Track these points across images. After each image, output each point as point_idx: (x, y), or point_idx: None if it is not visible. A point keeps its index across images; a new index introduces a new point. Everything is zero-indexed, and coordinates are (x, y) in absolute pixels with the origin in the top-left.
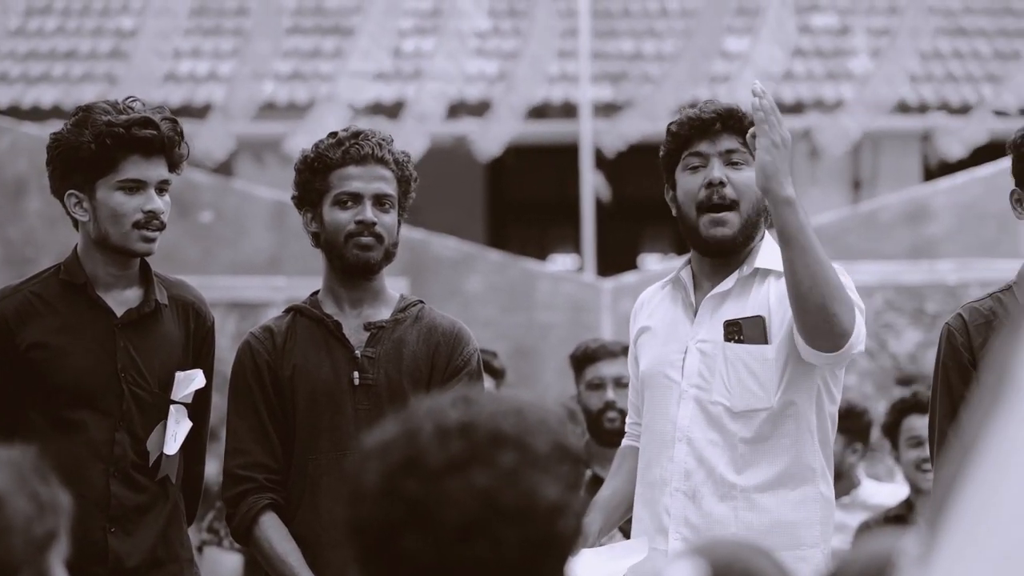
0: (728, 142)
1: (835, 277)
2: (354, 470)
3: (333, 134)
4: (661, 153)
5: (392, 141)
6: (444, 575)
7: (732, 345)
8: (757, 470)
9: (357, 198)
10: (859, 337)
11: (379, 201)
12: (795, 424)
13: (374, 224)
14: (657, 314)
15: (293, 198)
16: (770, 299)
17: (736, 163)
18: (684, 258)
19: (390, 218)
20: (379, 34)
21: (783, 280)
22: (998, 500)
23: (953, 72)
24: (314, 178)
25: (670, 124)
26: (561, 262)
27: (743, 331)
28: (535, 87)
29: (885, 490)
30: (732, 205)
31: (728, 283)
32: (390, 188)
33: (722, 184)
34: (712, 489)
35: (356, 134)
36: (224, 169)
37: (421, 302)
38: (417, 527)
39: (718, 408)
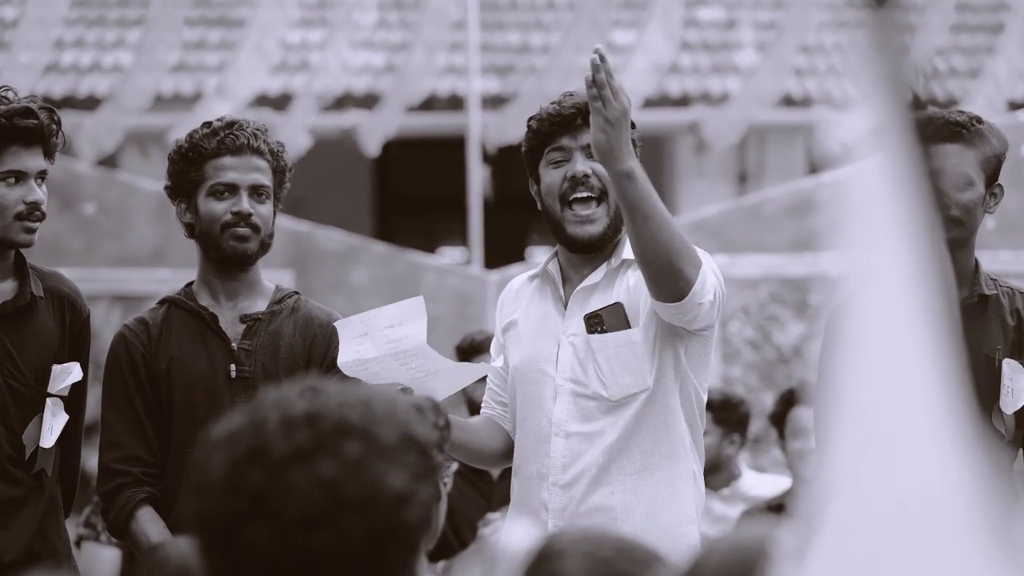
0: (575, 140)
1: (679, 235)
2: (200, 461)
3: (207, 124)
4: (523, 149)
5: (267, 131)
6: (289, 566)
7: (596, 336)
8: (633, 455)
9: (233, 189)
10: (703, 287)
11: (255, 191)
12: (665, 405)
13: (250, 215)
14: (526, 308)
15: (166, 188)
16: (628, 284)
17: None
18: (552, 251)
19: (266, 208)
20: (269, 26)
21: None
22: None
23: (836, 66)
24: (189, 168)
25: (530, 120)
26: (449, 255)
27: (604, 321)
28: (422, 80)
29: (766, 481)
30: (600, 196)
31: (596, 276)
32: (266, 178)
33: (586, 176)
34: (590, 478)
35: (231, 124)
36: (110, 161)
37: (297, 293)
38: (261, 518)
39: (595, 401)
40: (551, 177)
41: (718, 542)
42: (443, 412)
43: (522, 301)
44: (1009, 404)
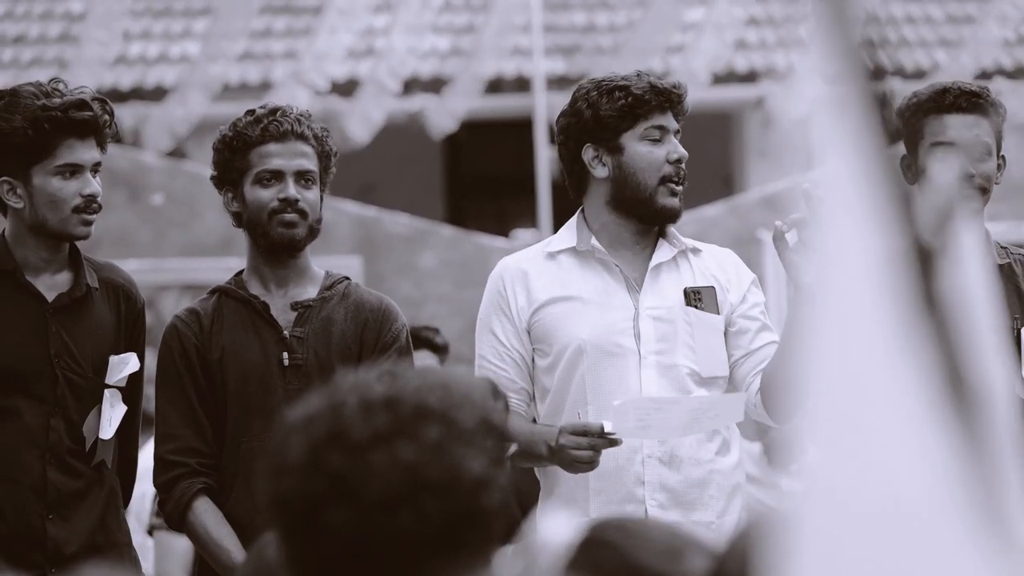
0: (677, 122)
1: None
2: (277, 444)
3: (251, 111)
4: (604, 112)
5: (311, 116)
6: (368, 549)
7: (694, 311)
8: (717, 434)
9: (279, 175)
10: None
11: (301, 177)
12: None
13: (297, 201)
14: (579, 283)
15: (212, 178)
16: (700, 269)
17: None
18: (566, 229)
19: (312, 194)
20: (337, 13)
21: (710, 258)
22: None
23: (907, 38)
24: (233, 157)
25: (620, 87)
26: (522, 236)
27: (702, 298)
28: (488, 62)
29: None
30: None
31: (666, 254)
32: (311, 164)
33: (680, 162)
34: (689, 453)
35: (274, 111)
36: (178, 152)
37: (347, 279)
38: (341, 501)
39: (683, 372)
40: (651, 154)
41: (750, 525)
42: (503, 396)
43: (562, 277)
44: None
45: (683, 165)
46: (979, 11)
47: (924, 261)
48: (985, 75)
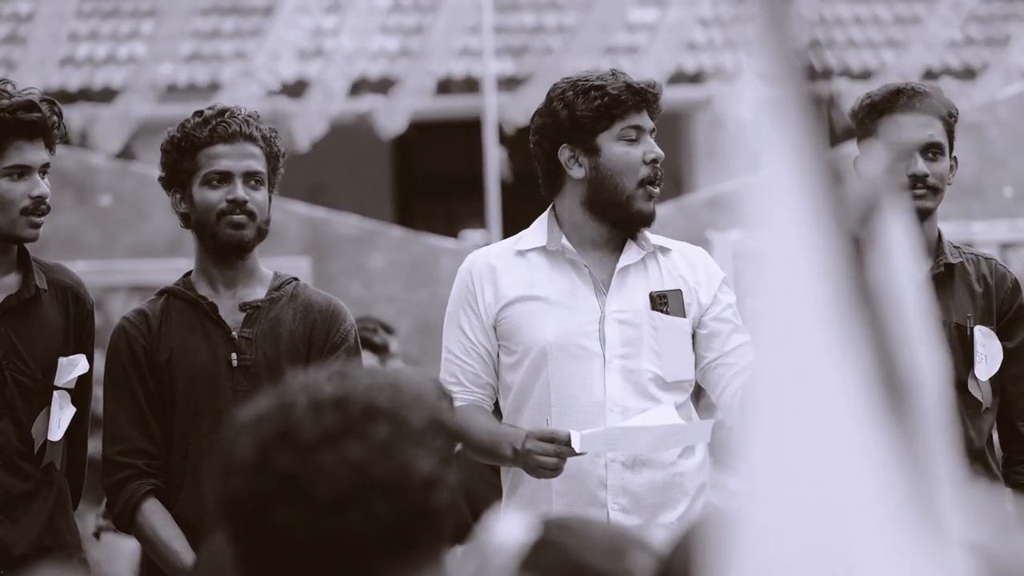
0: (652, 120)
1: None
2: (226, 443)
3: (199, 113)
4: (580, 113)
5: (259, 117)
6: (317, 548)
7: (660, 315)
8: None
9: (227, 177)
10: None
11: (249, 178)
12: (689, 401)
13: (245, 202)
14: (546, 284)
15: (160, 179)
16: (677, 275)
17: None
18: (537, 226)
19: (261, 195)
20: (284, 13)
21: (679, 257)
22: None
23: (855, 39)
24: (182, 158)
25: (596, 87)
26: (470, 237)
27: (668, 302)
28: (438, 63)
29: None
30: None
31: (633, 256)
32: (259, 165)
33: (656, 162)
34: (652, 456)
35: (222, 112)
36: (126, 153)
37: (295, 279)
38: (289, 500)
39: (646, 376)
40: (628, 155)
41: (695, 524)
42: (448, 395)
43: (530, 276)
44: (984, 371)
45: (659, 165)
46: (925, 11)
47: (858, 255)
48: (932, 75)
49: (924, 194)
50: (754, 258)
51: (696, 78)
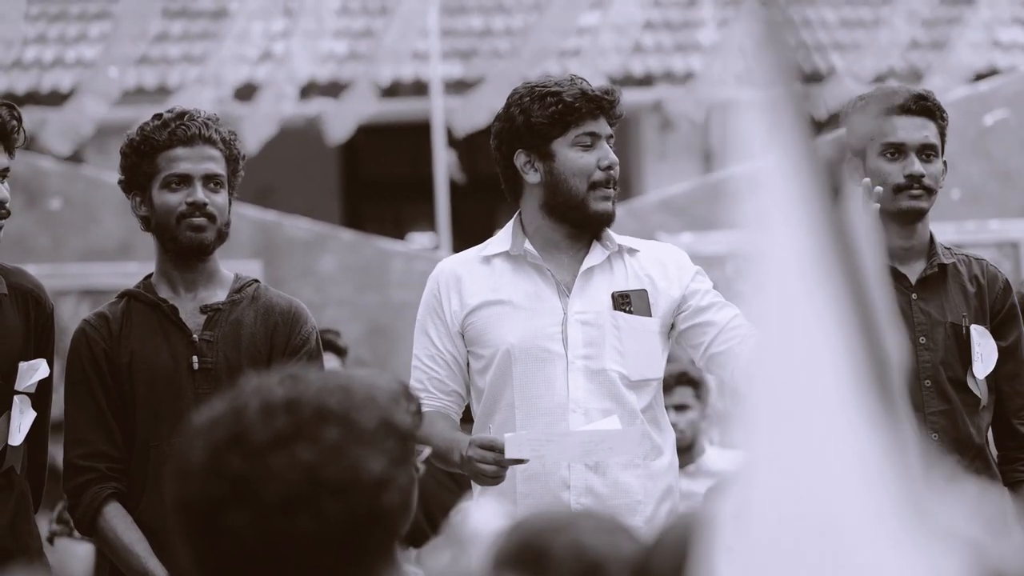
0: (610, 127)
1: None
2: (182, 447)
3: (158, 115)
4: (536, 120)
5: (219, 120)
6: (269, 550)
7: (623, 315)
8: (647, 438)
9: (186, 179)
10: None
11: (209, 181)
12: (659, 396)
13: (205, 205)
14: (511, 287)
15: (120, 182)
16: (633, 271)
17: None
18: (503, 232)
19: (221, 198)
20: (235, 17)
21: (646, 256)
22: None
23: (806, 42)
24: (141, 161)
25: (552, 93)
26: (418, 240)
27: (631, 302)
28: (386, 66)
29: (728, 456)
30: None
31: (597, 257)
32: (219, 167)
33: (615, 166)
34: (614, 459)
35: (182, 115)
36: (75, 157)
37: (256, 281)
38: (241, 502)
39: (612, 376)
40: (582, 160)
41: (678, 518)
42: (415, 399)
43: (494, 281)
44: (980, 369)
45: (614, 171)
46: (873, 16)
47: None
48: (881, 79)
49: (920, 194)
50: (748, 256)
51: (645, 81)
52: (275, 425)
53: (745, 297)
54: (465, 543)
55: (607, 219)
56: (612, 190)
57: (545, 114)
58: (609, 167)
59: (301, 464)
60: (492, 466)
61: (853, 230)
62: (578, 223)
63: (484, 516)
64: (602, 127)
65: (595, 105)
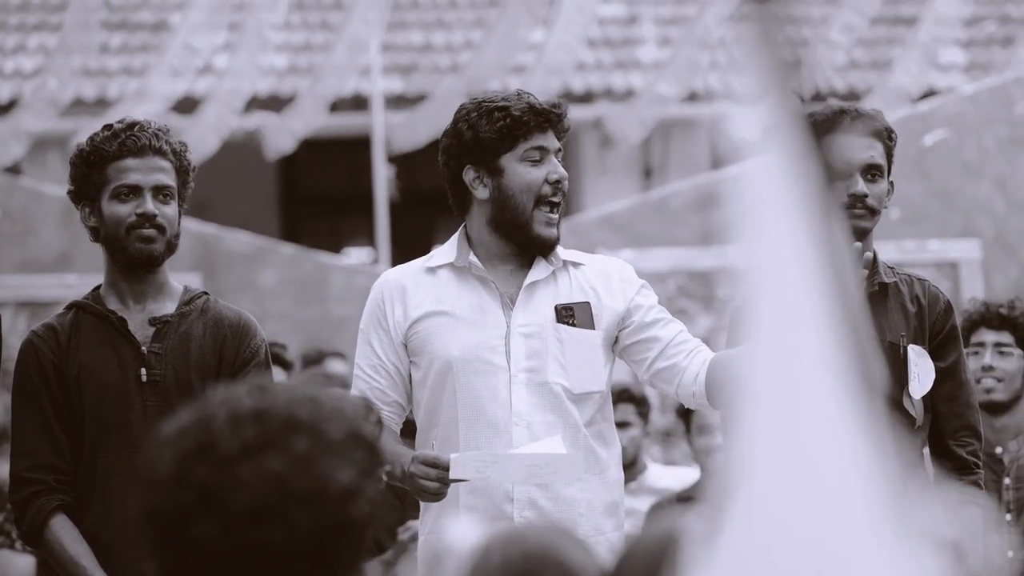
0: (558, 140)
1: None
2: (148, 457)
3: (108, 126)
4: (484, 135)
5: (169, 131)
6: (237, 561)
7: (565, 327)
8: (590, 453)
9: (136, 190)
10: None
11: (159, 192)
12: (605, 413)
13: (155, 216)
14: (455, 299)
15: (69, 192)
16: (578, 284)
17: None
18: (448, 244)
19: (171, 209)
20: (176, 30)
21: (591, 270)
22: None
23: (737, 60)
24: (91, 172)
25: (500, 108)
26: (356, 255)
27: (575, 315)
28: (328, 80)
29: (671, 473)
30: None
31: (542, 272)
32: (169, 179)
33: (563, 180)
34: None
35: (132, 125)
36: (14, 168)
37: (206, 294)
38: (209, 513)
39: (555, 389)
40: (529, 175)
41: (640, 538)
42: (376, 412)
43: (438, 292)
44: (917, 389)
45: (563, 184)
46: (812, 35)
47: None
48: (819, 97)
49: (863, 214)
50: (743, 265)
51: (585, 98)
52: (244, 435)
53: (738, 305)
54: (440, 558)
55: (551, 244)
56: (555, 215)
57: (493, 129)
58: (558, 181)
59: (270, 474)
60: (435, 483)
61: (841, 244)
62: (522, 244)
63: (460, 532)
64: (550, 141)
65: (543, 119)
